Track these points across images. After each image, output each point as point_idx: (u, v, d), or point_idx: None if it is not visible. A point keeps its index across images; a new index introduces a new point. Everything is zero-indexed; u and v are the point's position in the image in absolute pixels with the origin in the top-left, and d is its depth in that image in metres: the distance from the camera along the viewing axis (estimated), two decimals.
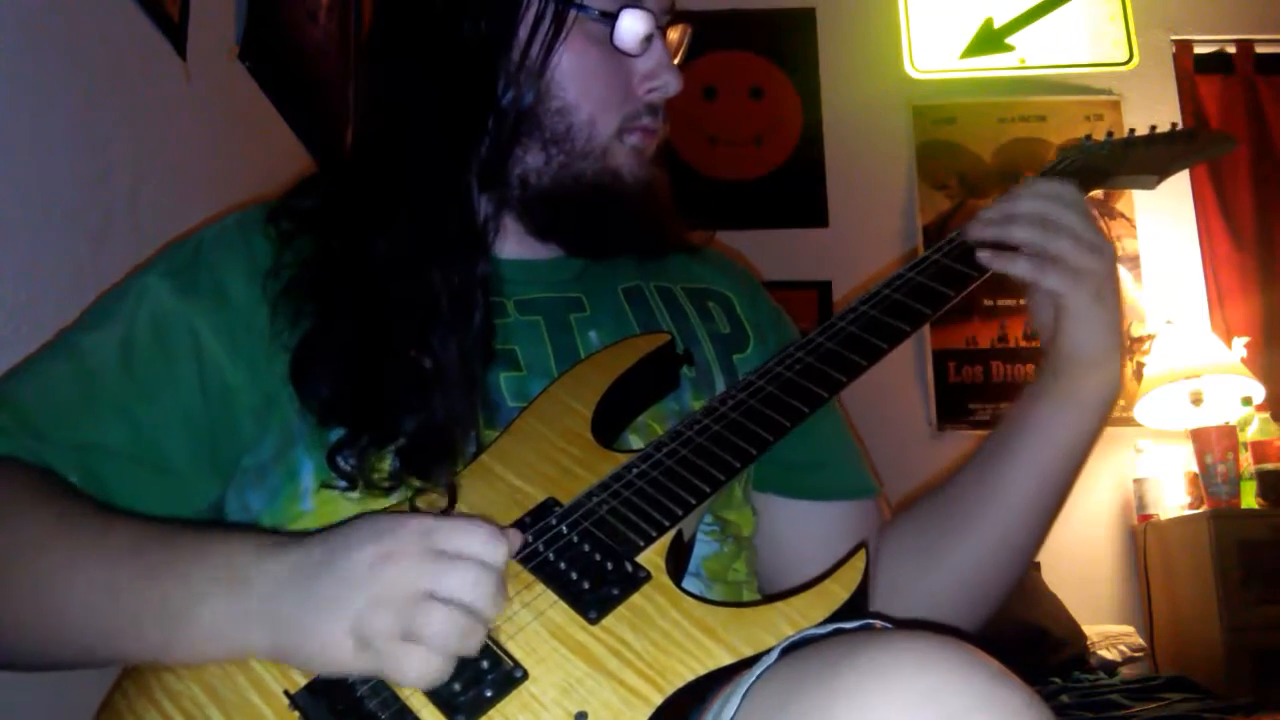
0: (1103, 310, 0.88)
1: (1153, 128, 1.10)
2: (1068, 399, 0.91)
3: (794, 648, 0.64)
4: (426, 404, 0.80)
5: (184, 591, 0.66)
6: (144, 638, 0.67)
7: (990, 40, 3.41)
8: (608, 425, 0.84)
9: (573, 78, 0.89)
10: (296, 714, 0.63)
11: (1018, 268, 0.88)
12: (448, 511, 0.75)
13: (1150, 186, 1.03)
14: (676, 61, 0.95)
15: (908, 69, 3.39)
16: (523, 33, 0.87)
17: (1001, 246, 0.89)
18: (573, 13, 0.87)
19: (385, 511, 0.73)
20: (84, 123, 1.22)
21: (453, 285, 0.84)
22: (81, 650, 0.70)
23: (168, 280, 0.87)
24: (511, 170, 0.91)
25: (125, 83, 1.32)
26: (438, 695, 0.63)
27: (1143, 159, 1.05)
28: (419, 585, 0.62)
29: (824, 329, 0.87)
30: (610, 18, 0.88)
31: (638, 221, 0.93)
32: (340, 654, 0.62)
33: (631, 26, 0.88)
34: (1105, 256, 0.89)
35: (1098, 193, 1.02)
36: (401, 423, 0.80)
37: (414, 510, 0.75)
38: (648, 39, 0.90)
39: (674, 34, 0.95)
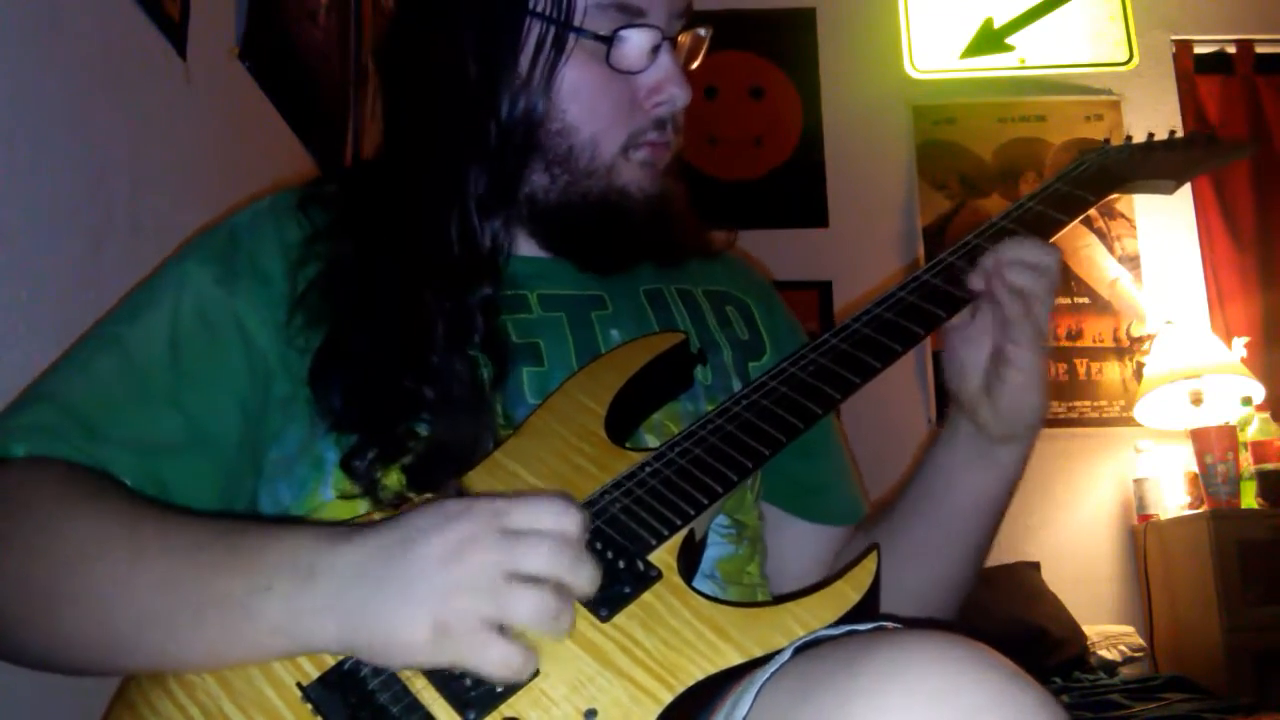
0: (1043, 372, 0.88)
1: (1171, 132, 1.10)
2: (992, 460, 0.91)
3: (806, 647, 0.63)
4: (432, 427, 0.80)
5: (246, 586, 0.65)
6: (205, 635, 0.65)
7: (990, 40, 3.41)
8: (621, 423, 0.84)
9: (573, 98, 0.87)
10: (309, 706, 0.63)
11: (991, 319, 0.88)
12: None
13: (1168, 191, 1.03)
14: (695, 65, 0.94)
15: (908, 69, 3.40)
16: (524, 57, 0.86)
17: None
18: (572, 36, 0.86)
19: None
20: (83, 123, 1.21)
21: (446, 311, 0.84)
22: (144, 653, 0.68)
23: (207, 267, 0.87)
24: (519, 189, 0.90)
25: (125, 83, 1.31)
26: (449, 690, 0.63)
27: (1161, 164, 1.05)
28: (502, 566, 0.62)
29: (837, 330, 0.87)
30: (609, 40, 0.86)
31: (647, 237, 0.92)
32: (418, 644, 0.61)
33: (632, 46, 0.87)
34: (1044, 340, 0.88)
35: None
36: (408, 441, 0.80)
37: None
38: (654, 50, 0.88)
39: (686, 39, 0.93)
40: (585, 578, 0.64)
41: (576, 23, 0.85)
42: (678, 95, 0.89)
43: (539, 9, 0.85)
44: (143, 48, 1.37)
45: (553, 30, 0.85)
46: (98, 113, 1.24)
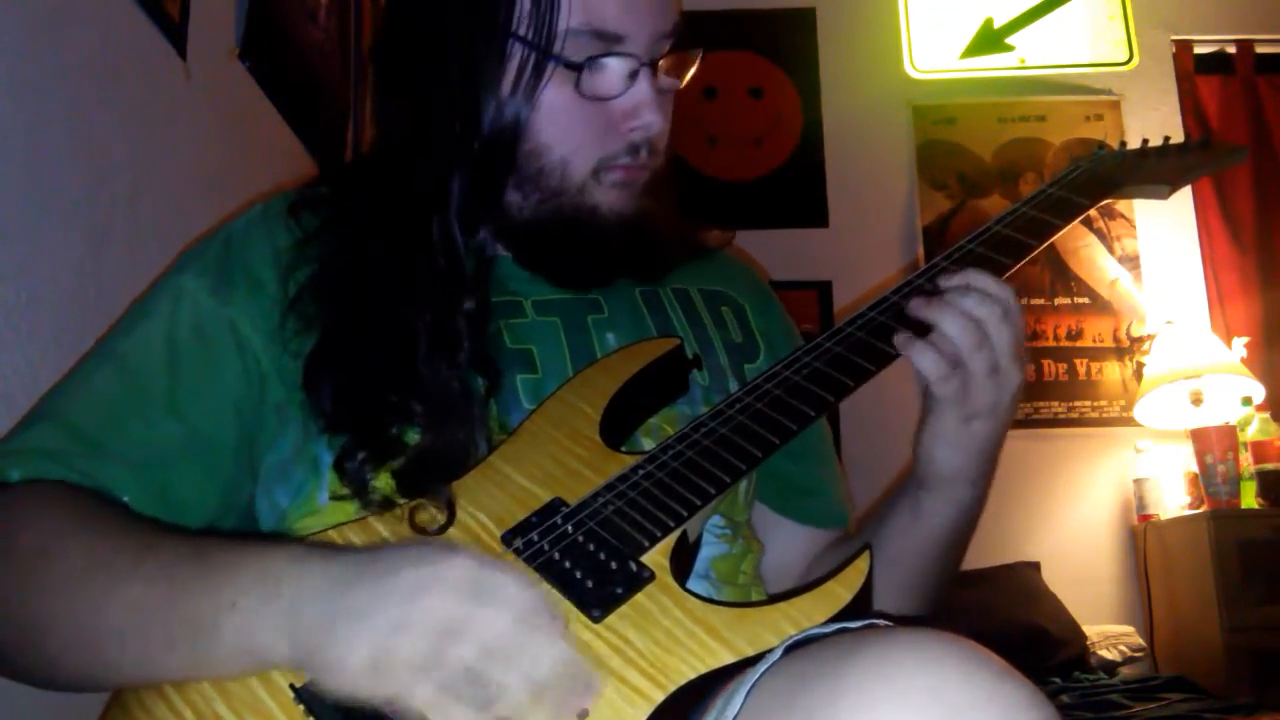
0: (966, 435, 0.84)
1: (1166, 138, 1.10)
2: (916, 506, 0.89)
3: (797, 645, 0.64)
4: (421, 436, 0.80)
5: (213, 604, 0.65)
6: (178, 657, 0.65)
7: (990, 40, 3.41)
8: (616, 427, 0.84)
9: (547, 120, 0.87)
10: (301, 708, 0.63)
11: (925, 363, 0.82)
12: (446, 525, 0.75)
13: (1162, 196, 1.02)
14: (684, 83, 0.94)
15: (908, 69, 3.40)
16: (506, 77, 0.87)
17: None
18: (550, 63, 0.86)
19: (436, 538, 0.73)
20: (84, 122, 1.21)
21: (429, 325, 0.84)
22: (128, 674, 0.68)
23: (202, 279, 0.88)
24: (499, 203, 0.91)
25: (125, 82, 1.32)
26: None
27: (1155, 169, 1.04)
28: (452, 616, 0.60)
29: (831, 334, 0.87)
30: (580, 68, 0.86)
31: (621, 255, 0.92)
32: (353, 671, 0.60)
33: (607, 72, 0.87)
34: (1004, 386, 0.82)
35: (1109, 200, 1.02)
36: (399, 444, 0.80)
37: (413, 524, 0.75)
38: (632, 75, 0.88)
39: (670, 62, 0.92)
40: (545, 659, 0.60)
41: (555, 49, 0.86)
42: (651, 123, 0.89)
43: (520, 32, 0.86)
44: (143, 48, 1.38)
45: (533, 55, 0.86)
46: (98, 113, 1.24)
